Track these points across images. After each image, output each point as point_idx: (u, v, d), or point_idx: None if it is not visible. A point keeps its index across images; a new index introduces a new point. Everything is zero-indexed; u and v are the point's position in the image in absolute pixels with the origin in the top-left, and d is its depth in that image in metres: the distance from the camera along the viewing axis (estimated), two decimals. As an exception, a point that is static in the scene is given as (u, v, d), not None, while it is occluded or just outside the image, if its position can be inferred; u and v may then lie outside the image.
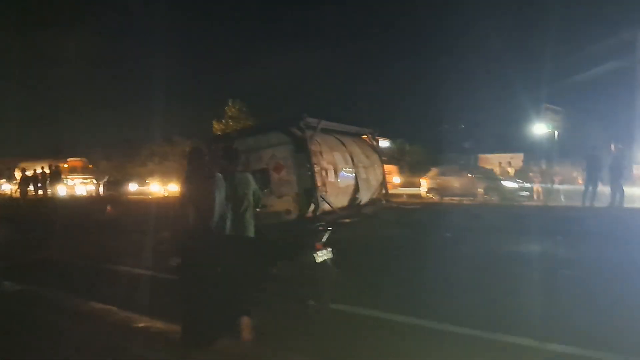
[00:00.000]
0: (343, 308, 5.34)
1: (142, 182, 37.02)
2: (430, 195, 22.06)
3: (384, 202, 14.85)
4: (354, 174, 13.55)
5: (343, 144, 13.76)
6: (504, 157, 24.18)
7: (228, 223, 4.74)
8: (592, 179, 13.82)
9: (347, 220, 12.47)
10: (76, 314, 5.65)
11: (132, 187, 31.81)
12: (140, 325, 5.09)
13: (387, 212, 13.63)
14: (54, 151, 44.21)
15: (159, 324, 5.04)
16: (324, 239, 5.16)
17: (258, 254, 4.90)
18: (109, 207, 17.54)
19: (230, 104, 41.67)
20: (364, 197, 14.23)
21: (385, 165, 16.84)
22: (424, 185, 22.84)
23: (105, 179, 33.65)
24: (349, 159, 13.53)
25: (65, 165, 36.25)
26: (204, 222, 4.39)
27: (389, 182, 17.08)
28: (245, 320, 4.45)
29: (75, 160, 38.48)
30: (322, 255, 5.10)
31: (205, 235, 4.40)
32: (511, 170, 22.55)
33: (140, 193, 32.91)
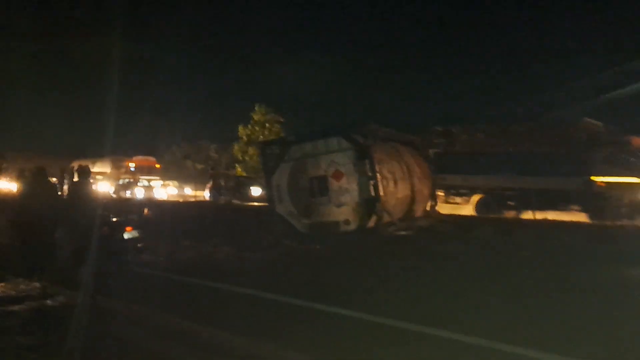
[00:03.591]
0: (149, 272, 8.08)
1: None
2: None
3: (438, 214, 14.24)
4: (410, 184, 12.99)
5: (399, 152, 13.23)
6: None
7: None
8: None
9: (403, 233, 11.88)
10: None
11: (256, 191, 23.40)
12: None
13: (443, 225, 12.98)
14: (78, 151, 43.19)
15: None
16: (133, 224, 8.24)
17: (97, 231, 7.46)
18: (145, 210, 17.04)
19: (256, 109, 41.10)
20: (419, 208, 13.66)
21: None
22: None
23: (210, 182, 26.48)
24: (405, 169, 12.98)
25: (132, 165, 31.47)
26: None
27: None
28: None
29: (143, 159, 32.99)
30: (130, 234, 8.03)
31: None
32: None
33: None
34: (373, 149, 11.08)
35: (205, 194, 26.85)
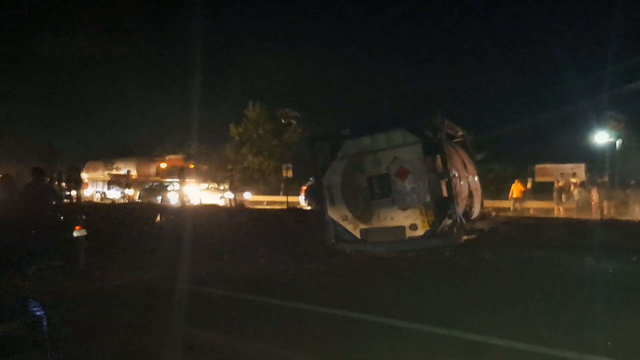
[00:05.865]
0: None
1: None
2: None
3: (493, 215, 12.99)
4: (467, 183, 11.70)
5: (454, 147, 11.92)
6: (566, 168, 22.38)
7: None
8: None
9: (465, 237, 10.56)
10: None
11: None
12: None
13: (506, 228, 11.73)
14: (48, 154, 40.65)
15: None
16: (82, 223, 8.02)
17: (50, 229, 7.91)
18: (158, 217, 15.35)
19: (250, 106, 39.29)
20: (476, 209, 12.38)
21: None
22: None
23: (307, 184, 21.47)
24: (463, 165, 11.68)
25: (163, 166, 28.18)
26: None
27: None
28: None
29: (176, 159, 29.48)
30: (78, 233, 7.89)
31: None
32: (577, 181, 20.82)
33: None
34: (445, 143, 9.74)
35: (301, 199, 22.63)
